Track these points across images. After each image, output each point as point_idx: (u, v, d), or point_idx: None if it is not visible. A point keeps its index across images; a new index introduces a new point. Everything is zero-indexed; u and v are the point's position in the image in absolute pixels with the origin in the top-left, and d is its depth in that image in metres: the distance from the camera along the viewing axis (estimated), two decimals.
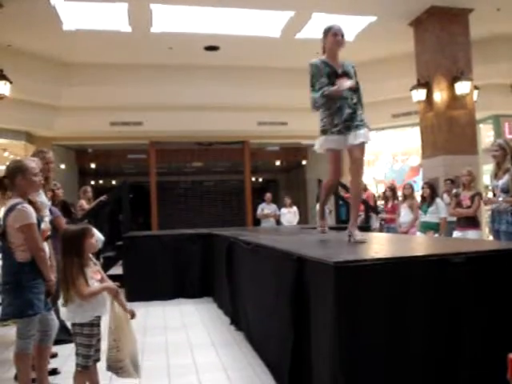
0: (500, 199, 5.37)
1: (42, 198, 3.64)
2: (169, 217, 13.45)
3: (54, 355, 3.90)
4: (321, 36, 3.80)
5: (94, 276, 2.86)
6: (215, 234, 6.53)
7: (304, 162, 15.91)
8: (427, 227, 7.05)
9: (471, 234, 6.26)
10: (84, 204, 7.95)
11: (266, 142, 14.30)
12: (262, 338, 3.87)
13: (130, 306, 2.99)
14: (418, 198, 7.73)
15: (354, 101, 3.66)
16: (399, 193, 8.73)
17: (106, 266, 6.42)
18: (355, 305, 2.24)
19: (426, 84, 8.71)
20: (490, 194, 6.65)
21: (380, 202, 10.10)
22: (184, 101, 11.08)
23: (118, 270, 7.18)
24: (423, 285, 2.37)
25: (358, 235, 3.62)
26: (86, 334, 2.77)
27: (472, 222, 6.36)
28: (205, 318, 5.51)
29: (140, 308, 5.83)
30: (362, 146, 3.63)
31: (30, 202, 3.14)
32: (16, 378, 3.25)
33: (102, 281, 2.90)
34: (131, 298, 6.17)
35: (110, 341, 2.83)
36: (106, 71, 10.66)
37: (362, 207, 8.25)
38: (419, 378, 2.30)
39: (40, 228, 3.16)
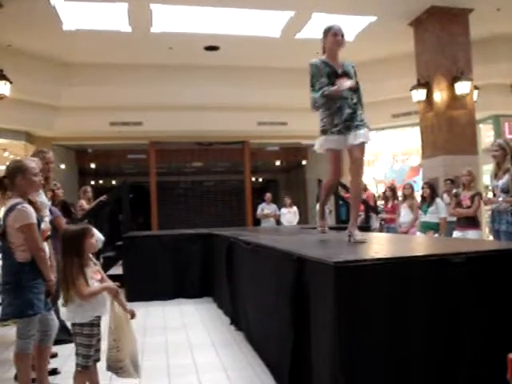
0: (500, 199, 5.37)
1: (42, 197, 3.64)
2: (169, 217, 13.45)
3: (54, 355, 3.90)
4: (321, 36, 3.80)
5: (94, 276, 2.86)
6: (215, 234, 6.53)
7: (304, 162, 15.91)
8: (427, 227, 7.05)
9: (471, 233, 6.26)
10: (84, 204, 7.95)
11: (265, 142, 14.30)
12: (261, 337, 3.87)
13: (130, 305, 2.99)
14: (418, 198, 7.74)
15: (354, 101, 3.66)
16: (399, 193, 8.73)
17: (105, 266, 6.42)
18: (355, 305, 2.24)
19: (425, 84, 8.71)
20: (490, 194, 6.65)
21: (380, 202, 10.10)
22: (184, 101, 11.08)
23: (117, 270, 7.18)
24: (423, 285, 2.37)
25: (358, 235, 3.62)
26: (86, 334, 2.77)
27: (472, 222, 6.36)
28: (205, 318, 5.51)
29: (140, 308, 5.82)
30: (362, 145, 3.63)
31: (30, 202, 3.14)
32: (16, 377, 3.25)
33: (102, 281, 2.90)
34: (131, 297, 6.17)
35: (110, 341, 2.83)
36: (105, 71, 10.66)
37: (362, 207, 8.25)
38: (419, 378, 2.30)
39: (40, 228, 3.16)
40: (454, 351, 2.34)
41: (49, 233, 3.56)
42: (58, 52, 9.84)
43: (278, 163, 17.23)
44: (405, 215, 7.66)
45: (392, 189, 8.59)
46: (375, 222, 8.92)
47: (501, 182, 5.38)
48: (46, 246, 3.29)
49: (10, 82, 8.36)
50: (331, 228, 5.40)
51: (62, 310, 3.32)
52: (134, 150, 14.40)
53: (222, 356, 4.01)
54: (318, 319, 2.53)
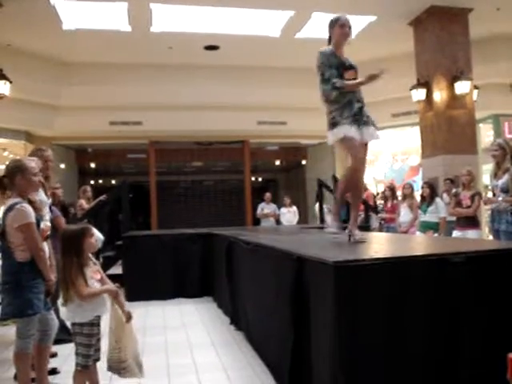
0: (500, 199, 5.36)
1: (42, 196, 3.63)
2: (168, 216, 13.46)
3: (54, 355, 3.89)
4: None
5: (94, 276, 2.86)
6: (215, 234, 6.53)
7: (304, 162, 15.91)
8: (427, 227, 7.05)
9: (471, 233, 6.25)
10: (83, 203, 7.94)
11: (265, 142, 14.30)
12: (261, 337, 3.87)
13: (130, 305, 2.99)
14: (418, 198, 7.74)
15: (362, 95, 3.64)
16: (399, 192, 8.73)
17: (105, 266, 6.41)
18: (355, 304, 2.24)
19: (425, 83, 8.71)
20: (490, 194, 6.65)
21: (379, 202, 10.10)
22: (184, 100, 11.08)
23: (117, 269, 7.17)
24: (423, 284, 2.37)
25: (358, 235, 3.62)
26: (86, 334, 2.77)
27: (472, 221, 6.36)
28: (204, 318, 5.51)
29: (140, 307, 5.85)
30: (366, 144, 3.63)
31: (30, 202, 3.14)
32: (15, 377, 3.25)
33: (101, 280, 2.90)
34: (131, 297, 6.18)
35: (112, 341, 2.83)
36: (105, 71, 10.65)
37: (362, 207, 8.25)
38: (419, 378, 2.30)
39: (39, 227, 3.16)
40: (454, 351, 2.34)
41: (48, 232, 3.56)
42: (57, 51, 9.84)
43: (277, 163, 17.23)
44: (404, 215, 7.66)
45: (391, 188, 8.59)
46: (375, 222, 8.92)
47: (500, 182, 5.38)
48: (46, 246, 3.29)
49: (10, 82, 8.35)
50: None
51: (62, 310, 3.32)
52: (133, 149, 14.39)
53: (221, 356, 4.01)
54: (318, 319, 2.53)
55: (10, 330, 4.29)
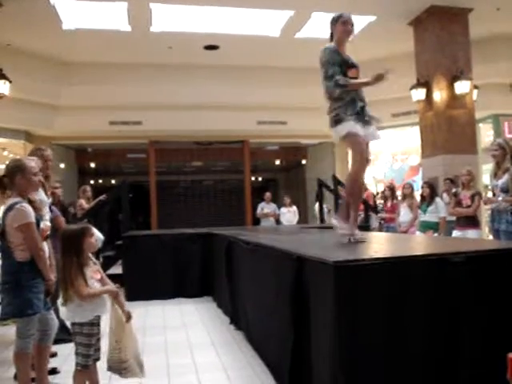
0: (500, 199, 5.36)
1: (42, 195, 3.63)
2: (168, 216, 13.45)
3: (54, 354, 3.89)
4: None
5: (94, 275, 2.85)
6: (215, 234, 6.53)
7: (304, 162, 15.91)
8: (427, 226, 7.05)
9: (471, 233, 6.25)
10: (83, 203, 7.94)
11: (265, 142, 14.30)
12: (261, 337, 3.87)
13: (130, 305, 2.99)
14: (418, 198, 7.74)
15: (363, 94, 3.63)
16: (398, 192, 8.73)
17: (105, 266, 6.41)
18: (355, 304, 2.24)
19: (425, 83, 8.71)
20: (490, 194, 6.65)
21: (379, 202, 10.10)
22: (183, 100, 11.07)
23: (117, 269, 7.17)
24: (423, 284, 2.37)
25: (358, 235, 3.61)
26: (86, 334, 2.77)
27: (472, 221, 6.36)
28: (204, 318, 5.51)
29: (140, 307, 5.85)
30: (367, 144, 3.62)
31: (30, 201, 3.14)
32: (15, 377, 3.25)
33: (101, 280, 2.90)
34: (131, 297, 6.18)
35: (112, 341, 2.82)
36: (105, 70, 10.65)
37: (362, 207, 8.25)
38: (419, 378, 2.30)
39: (39, 227, 3.16)
40: (454, 351, 2.34)
41: (48, 232, 3.56)
42: (57, 51, 9.83)
43: (277, 162, 17.24)
44: (404, 215, 7.66)
45: (391, 188, 8.60)
46: (375, 222, 8.93)
47: (500, 182, 5.38)
48: (46, 246, 3.29)
49: (10, 82, 8.34)
50: (331, 228, 5.38)
51: (62, 310, 3.32)
52: (133, 149, 14.39)
53: (221, 355, 4.01)
54: (318, 319, 2.53)
55: (9, 330, 4.30)
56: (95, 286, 2.82)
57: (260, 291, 3.83)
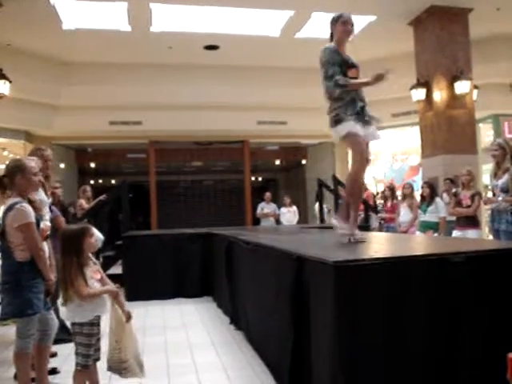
0: (500, 199, 5.36)
1: (42, 195, 3.63)
2: (168, 216, 13.45)
3: (54, 354, 3.89)
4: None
5: (94, 275, 2.85)
6: (215, 234, 6.53)
7: (303, 162, 15.92)
8: (426, 226, 7.05)
9: (471, 233, 6.25)
10: (83, 203, 7.94)
11: (265, 142, 14.30)
12: (261, 337, 3.87)
13: (130, 305, 2.99)
14: (418, 198, 7.74)
15: (363, 94, 3.62)
16: (398, 192, 8.73)
17: (105, 266, 6.41)
18: (355, 304, 2.24)
19: (425, 83, 8.71)
20: (490, 194, 6.65)
21: (379, 202, 10.11)
22: (183, 100, 11.07)
23: (117, 269, 7.17)
24: (423, 284, 2.37)
25: (358, 235, 3.61)
26: (86, 334, 2.77)
27: (472, 221, 6.36)
28: (204, 318, 5.51)
29: (139, 307, 5.85)
30: (367, 144, 3.62)
31: (30, 201, 3.14)
32: (15, 377, 3.25)
33: (101, 280, 2.90)
34: (131, 297, 6.18)
35: (112, 341, 2.82)
36: (105, 70, 10.65)
37: (362, 207, 8.25)
38: (419, 378, 2.30)
39: (39, 227, 3.16)
40: (454, 351, 2.34)
41: (48, 232, 3.56)
42: (57, 51, 9.83)
43: (277, 162, 17.24)
44: (404, 215, 7.66)
45: (391, 188, 8.60)
46: (375, 222, 8.93)
47: (500, 182, 5.38)
48: (46, 246, 3.29)
49: (10, 81, 8.35)
50: (330, 228, 5.38)
51: (62, 310, 3.32)
52: (133, 149, 14.39)
53: (221, 355, 4.01)
54: (318, 319, 2.53)
55: (9, 330, 4.30)
56: (95, 286, 2.82)
57: (260, 291, 3.83)
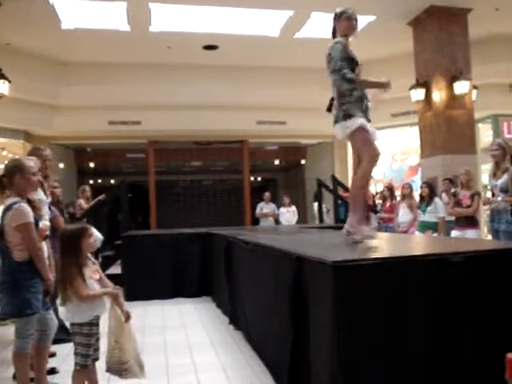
0: (499, 199, 5.37)
1: (41, 195, 3.63)
2: (167, 216, 13.43)
3: (53, 354, 3.89)
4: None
5: (93, 275, 2.85)
6: (214, 234, 6.53)
7: (303, 162, 15.91)
8: (426, 227, 7.05)
9: (470, 233, 6.25)
10: (82, 203, 7.93)
11: (264, 142, 14.29)
12: (260, 337, 3.87)
13: (129, 305, 2.98)
14: (417, 198, 7.74)
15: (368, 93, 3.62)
16: (397, 192, 8.73)
17: (104, 266, 6.40)
18: (354, 304, 2.24)
19: (424, 83, 8.71)
20: (489, 194, 6.65)
21: (378, 202, 10.11)
22: (183, 100, 11.07)
23: (116, 269, 7.17)
24: (422, 284, 2.37)
25: (366, 230, 3.58)
26: (85, 334, 2.77)
27: (471, 221, 6.36)
28: (204, 318, 5.51)
29: (139, 307, 5.85)
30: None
31: (29, 201, 3.13)
32: (14, 377, 3.25)
33: (100, 280, 2.89)
34: (130, 297, 6.17)
35: (111, 341, 2.81)
36: (104, 70, 10.64)
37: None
38: (418, 378, 2.30)
39: (38, 227, 3.16)
40: (453, 351, 2.34)
41: (47, 232, 3.56)
42: (56, 51, 9.83)
43: (276, 162, 17.23)
44: (403, 215, 7.65)
45: (390, 188, 8.60)
46: (373, 222, 8.92)
47: (500, 182, 5.38)
48: (45, 245, 3.28)
49: (9, 81, 8.34)
50: (330, 227, 5.39)
51: (61, 310, 3.32)
52: (132, 149, 14.38)
53: (220, 355, 4.01)
54: (317, 319, 2.53)
55: (8, 330, 4.29)
56: (94, 287, 2.82)
57: (259, 291, 3.83)
